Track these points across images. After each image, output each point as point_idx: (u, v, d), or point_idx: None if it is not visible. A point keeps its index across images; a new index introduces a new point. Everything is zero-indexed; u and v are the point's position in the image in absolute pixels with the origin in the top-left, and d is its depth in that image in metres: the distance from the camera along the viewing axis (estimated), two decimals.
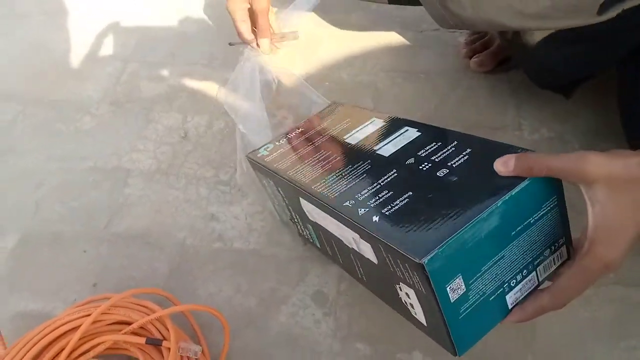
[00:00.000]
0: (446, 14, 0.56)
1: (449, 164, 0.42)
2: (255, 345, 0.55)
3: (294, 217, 0.56)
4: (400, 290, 0.40)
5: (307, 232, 0.55)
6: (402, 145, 0.47)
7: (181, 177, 0.71)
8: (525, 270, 0.40)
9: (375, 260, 0.41)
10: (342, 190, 0.44)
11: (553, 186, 0.38)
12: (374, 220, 0.39)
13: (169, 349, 0.48)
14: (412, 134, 0.49)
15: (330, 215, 0.45)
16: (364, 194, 0.43)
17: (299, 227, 0.57)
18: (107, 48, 0.91)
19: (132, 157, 0.74)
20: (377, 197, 0.42)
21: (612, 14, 0.48)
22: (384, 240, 0.37)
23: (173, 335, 0.49)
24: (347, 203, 0.43)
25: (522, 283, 0.40)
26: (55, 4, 1.01)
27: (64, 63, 0.89)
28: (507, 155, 0.37)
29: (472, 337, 0.39)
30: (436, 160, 0.43)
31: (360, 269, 0.47)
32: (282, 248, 0.62)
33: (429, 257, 0.34)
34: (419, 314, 0.40)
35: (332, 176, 0.47)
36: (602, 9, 0.48)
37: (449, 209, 0.37)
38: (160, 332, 0.51)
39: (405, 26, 0.89)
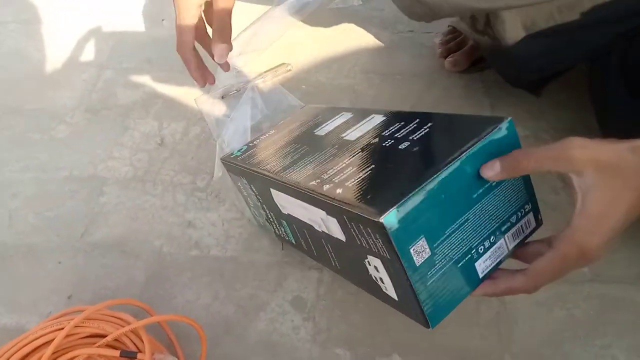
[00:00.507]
0: (412, 2, 0.56)
1: (410, 137, 0.43)
2: (234, 353, 0.55)
3: (269, 215, 0.56)
4: (369, 264, 0.40)
5: (282, 230, 0.55)
6: (368, 129, 0.48)
7: (158, 184, 0.70)
8: (492, 237, 0.40)
9: (343, 237, 0.42)
10: (308, 173, 0.45)
11: (511, 149, 0.38)
12: (337, 192, 0.39)
13: None
14: (377, 119, 0.49)
15: (299, 199, 0.45)
16: (329, 173, 0.43)
17: (274, 226, 0.57)
18: (82, 55, 0.90)
19: (108, 165, 0.73)
20: (342, 174, 0.42)
21: None
22: (345, 208, 0.37)
23: (148, 347, 0.48)
24: (313, 182, 0.43)
25: (490, 250, 0.40)
26: (31, 13, 1.00)
27: (39, 71, 0.88)
28: (492, 160, 0.37)
29: (444, 307, 0.39)
30: (398, 137, 0.44)
31: (332, 255, 0.47)
32: (260, 254, 0.62)
33: (386, 214, 0.34)
34: (388, 287, 0.40)
35: (299, 164, 0.48)
36: None
37: (408, 173, 0.38)
38: (135, 344, 0.50)
39: (382, 27, 0.89)
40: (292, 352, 0.54)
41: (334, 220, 0.41)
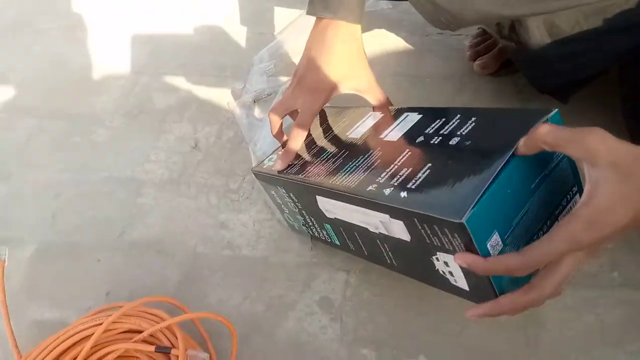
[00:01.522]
0: (436, 10, 0.57)
1: (458, 133, 0.44)
2: (263, 351, 0.56)
3: (308, 220, 0.57)
4: (438, 260, 0.42)
5: (325, 233, 0.56)
6: (408, 128, 0.49)
7: (192, 186, 0.72)
8: (548, 221, 0.41)
9: (407, 238, 0.43)
10: (360, 179, 0.46)
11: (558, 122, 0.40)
12: (402, 196, 0.41)
13: (177, 356, 0.50)
14: (413, 117, 0.51)
15: (354, 204, 0.46)
16: (384, 177, 0.44)
17: (314, 230, 0.58)
18: (121, 61, 0.93)
19: (145, 167, 0.76)
20: (399, 176, 0.43)
21: None
22: (418, 212, 0.39)
23: (181, 343, 0.50)
24: (370, 188, 0.44)
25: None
26: (73, 19, 1.04)
27: (79, 76, 0.92)
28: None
29: (514, 288, 0.40)
30: (445, 133, 0.45)
31: (389, 254, 0.48)
32: (290, 255, 0.64)
33: (467, 215, 0.35)
34: (459, 280, 0.42)
35: (346, 169, 0.49)
36: None
37: (471, 169, 0.39)
38: (169, 340, 0.52)
39: (411, 30, 0.89)
40: (320, 352, 0.56)
41: (400, 222, 0.42)
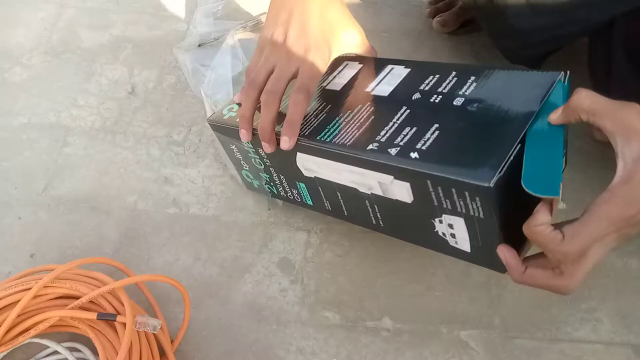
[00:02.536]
0: None
1: (460, 93, 0.42)
2: (218, 316, 0.52)
3: (275, 178, 0.53)
4: (441, 222, 0.41)
5: (294, 192, 0.52)
6: (397, 82, 0.47)
7: (129, 136, 0.64)
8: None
9: (409, 200, 0.41)
10: (356, 135, 0.43)
11: (564, 86, 0.40)
12: (413, 157, 0.39)
13: (124, 324, 0.44)
14: (400, 71, 0.48)
15: (348, 164, 0.43)
16: (385, 135, 0.41)
17: (280, 188, 0.54)
18: None
19: (72, 113, 0.66)
20: (403, 135, 0.41)
21: None
22: (435, 174, 0.37)
23: (129, 309, 0.44)
24: (371, 147, 0.41)
25: None
26: None
27: None
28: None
29: (518, 252, 0.40)
30: (444, 91, 0.43)
31: (378, 214, 0.46)
32: (244, 213, 0.59)
33: (494, 179, 0.34)
34: (461, 242, 0.41)
35: (334, 124, 0.45)
36: None
37: (487, 133, 0.38)
38: (113, 306, 0.46)
39: None
40: (280, 315, 0.52)
41: (405, 184, 0.40)
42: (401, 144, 0.40)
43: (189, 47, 0.72)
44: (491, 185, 0.34)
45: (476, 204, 0.37)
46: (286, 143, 0.45)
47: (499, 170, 0.35)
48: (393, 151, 0.40)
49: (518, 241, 0.39)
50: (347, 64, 0.51)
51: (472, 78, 0.43)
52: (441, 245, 0.43)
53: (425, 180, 0.38)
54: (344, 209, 0.49)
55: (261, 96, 0.46)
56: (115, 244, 0.56)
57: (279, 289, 0.54)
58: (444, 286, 0.55)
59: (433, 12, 0.78)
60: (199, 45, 0.73)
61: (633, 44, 0.54)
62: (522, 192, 0.36)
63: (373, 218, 0.47)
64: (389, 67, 0.48)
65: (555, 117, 0.37)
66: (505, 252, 0.38)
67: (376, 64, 0.50)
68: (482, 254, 0.41)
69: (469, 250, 0.41)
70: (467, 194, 0.37)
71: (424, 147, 0.39)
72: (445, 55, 0.76)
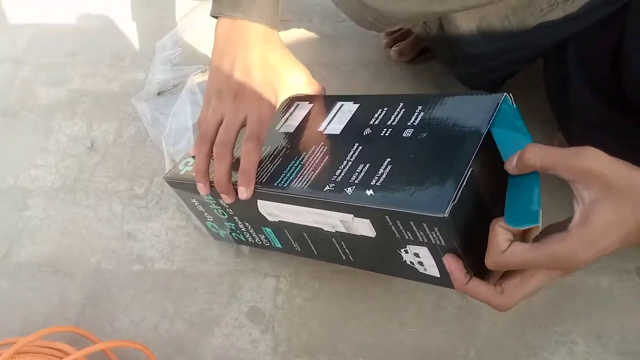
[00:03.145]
0: (363, 10, 0.53)
1: (409, 123, 0.43)
2: None
3: (241, 226, 0.52)
4: (407, 252, 0.41)
5: (262, 237, 0.52)
6: (348, 119, 0.47)
7: (90, 193, 0.64)
8: None
9: (372, 234, 0.41)
10: (312, 178, 0.43)
11: (513, 108, 0.40)
12: (368, 194, 0.39)
13: None
14: (350, 107, 0.48)
15: (308, 207, 0.43)
16: (340, 175, 0.42)
17: (247, 235, 0.53)
18: None
19: (31, 174, 0.65)
20: (357, 173, 0.41)
21: None
22: (392, 209, 0.38)
23: None
24: (327, 187, 0.41)
25: None
26: None
27: None
28: (512, 155, 0.38)
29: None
30: (393, 124, 0.44)
31: (347, 250, 0.46)
32: (210, 263, 0.58)
33: (449, 209, 0.35)
34: (429, 268, 0.41)
35: (290, 169, 0.45)
36: None
37: (438, 161, 0.38)
38: None
39: (324, 16, 0.86)
40: None
41: (365, 221, 0.40)
42: (356, 182, 0.40)
43: (147, 97, 0.72)
44: (446, 215, 0.35)
45: (435, 233, 0.37)
46: (243, 193, 0.45)
47: (452, 199, 0.35)
48: (349, 190, 0.40)
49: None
50: (298, 105, 0.52)
51: (419, 107, 0.44)
52: (412, 274, 0.43)
53: (383, 216, 0.39)
54: (313, 248, 0.49)
55: (213, 149, 0.46)
56: (79, 308, 0.54)
57: (250, 340, 0.53)
58: (417, 321, 0.54)
59: (390, 42, 0.79)
60: (158, 94, 0.72)
61: (587, 64, 0.55)
62: (483, 213, 0.37)
63: (342, 254, 0.47)
64: (339, 104, 0.49)
65: (510, 167, 0.37)
66: (450, 262, 0.39)
67: (326, 102, 0.50)
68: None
69: (438, 276, 0.42)
70: (424, 225, 0.37)
71: (378, 183, 0.39)
72: (405, 84, 0.76)
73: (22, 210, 0.62)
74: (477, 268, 0.39)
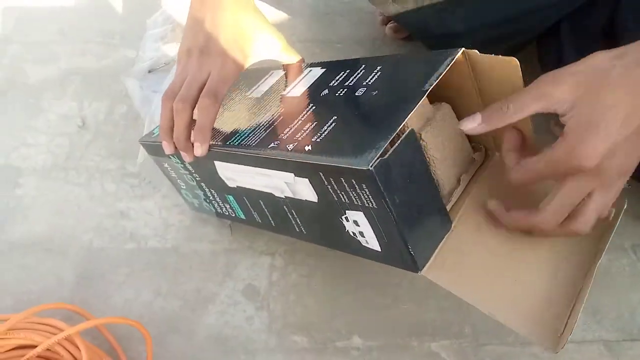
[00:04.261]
0: None
1: (364, 83, 0.42)
2: (182, 352, 0.50)
3: (209, 194, 0.52)
4: (347, 220, 0.39)
5: (228, 207, 0.51)
6: (311, 82, 0.47)
7: (82, 172, 0.63)
8: None
9: (314, 198, 0.40)
10: (262, 137, 0.42)
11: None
12: (306, 149, 0.38)
13: None
14: (317, 72, 0.48)
15: (256, 166, 0.42)
16: (287, 133, 0.41)
17: (216, 205, 0.53)
18: None
19: (22, 152, 0.64)
20: (303, 131, 0.40)
21: None
22: (323, 164, 0.36)
23: (85, 355, 0.43)
24: (272, 145, 0.40)
25: None
26: None
27: None
28: (473, 114, 0.38)
29: (428, 248, 0.39)
30: (350, 85, 0.43)
31: (297, 220, 0.45)
32: (205, 242, 0.57)
33: (374, 162, 0.33)
34: (370, 240, 0.39)
35: (246, 129, 0.44)
36: None
37: (378, 116, 0.37)
38: (71, 353, 0.45)
39: None
40: (247, 344, 0.51)
41: (305, 180, 0.39)
42: (299, 139, 0.39)
43: (138, 74, 0.71)
44: (370, 167, 0.33)
45: (365, 192, 0.35)
46: (198, 149, 0.44)
47: (380, 153, 0.33)
48: (290, 147, 0.39)
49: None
50: (272, 73, 0.52)
51: (379, 67, 0.43)
52: (355, 248, 0.42)
53: (318, 173, 0.37)
54: (271, 219, 0.48)
55: (173, 105, 0.45)
56: (72, 286, 0.54)
57: (245, 317, 0.53)
58: (410, 297, 0.54)
59: (385, 19, 0.78)
60: (149, 71, 0.71)
61: (580, 41, 0.55)
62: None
63: (295, 225, 0.46)
64: (308, 69, 0.49)
65: (473, 125, 0.38)
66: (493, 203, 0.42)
67: (298, 69, 0.50)
68: (392, 253, 0.39)
69: (379, 250, 0.40)
70: (354, 181, 0.35)
71: (318, 140, 0.38)
72: None
73: (14, 189, 0.61)
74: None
